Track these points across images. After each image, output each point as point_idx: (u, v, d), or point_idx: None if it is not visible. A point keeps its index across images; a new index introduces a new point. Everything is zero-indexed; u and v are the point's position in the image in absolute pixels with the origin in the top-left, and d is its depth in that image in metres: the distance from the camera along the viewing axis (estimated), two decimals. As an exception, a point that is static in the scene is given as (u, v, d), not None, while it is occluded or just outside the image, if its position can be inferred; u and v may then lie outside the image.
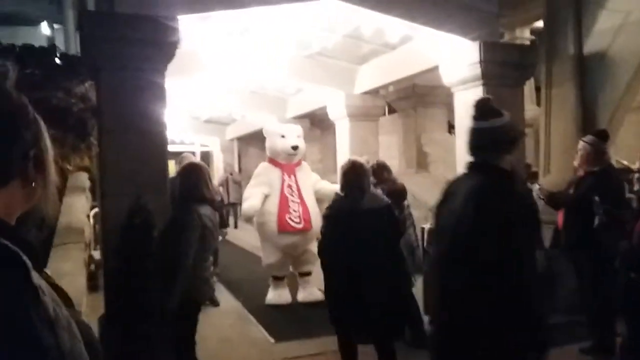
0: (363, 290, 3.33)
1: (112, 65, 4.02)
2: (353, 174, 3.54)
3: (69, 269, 5.15)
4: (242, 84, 9.35)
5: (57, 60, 8.45)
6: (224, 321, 5.63)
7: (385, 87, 8.18)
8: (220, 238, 6.38)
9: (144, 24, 3.99)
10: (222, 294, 6.55)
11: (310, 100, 9.45)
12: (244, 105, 10.57)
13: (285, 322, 5.57)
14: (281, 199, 6.27)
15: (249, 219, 6.26)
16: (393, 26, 5.55)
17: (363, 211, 3.41)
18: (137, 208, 3.83)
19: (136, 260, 3.71)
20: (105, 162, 4.12)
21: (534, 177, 6.68)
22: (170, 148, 16.73)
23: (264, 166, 6.75)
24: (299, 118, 10.13)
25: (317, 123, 11.83)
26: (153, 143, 4.14)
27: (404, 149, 8.95)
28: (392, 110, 9.86)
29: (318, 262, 3.77)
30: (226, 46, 7.31)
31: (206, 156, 16.13)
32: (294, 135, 6.60)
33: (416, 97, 8.66)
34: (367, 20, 5.58)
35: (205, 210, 3.48)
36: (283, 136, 6.55)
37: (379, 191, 3.90)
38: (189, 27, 5.83)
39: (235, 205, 12.32)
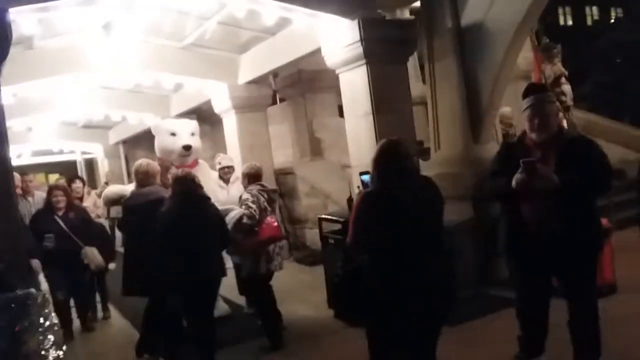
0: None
1: None
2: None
3: None
4: (115, 84, 8.58)
5: None
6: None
7: (268, 74, 7.82)
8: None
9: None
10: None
11: (193, 95, 8.88)
12: (123, 106, 9.76)
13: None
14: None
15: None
16: (268, 9, 5.18)
17: None
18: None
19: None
20: None
21: (425, 153, 6.66)
22: (50, 159, 15.22)
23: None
24: (184, 115, 9.51)
25: (205, 118, 11.21)
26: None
27: (296, 138, 8.68)
28: (282, 99, 9.54)
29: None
30: (88, 41, 6.60)
31: (90, 164, 14.94)
32: (187, 132, 5.88)
33: (303, 83, 8.40)
34: (238, 2, 5.17)
35: None
36: (174, 134, 5.83)
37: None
38: (56, 21, 5.13)
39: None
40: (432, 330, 2.82)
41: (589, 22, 33.11)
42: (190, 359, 4.06)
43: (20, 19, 4.17)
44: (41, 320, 2.15)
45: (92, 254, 5.38)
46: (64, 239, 5.16)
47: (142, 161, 4.60)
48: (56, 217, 5.26)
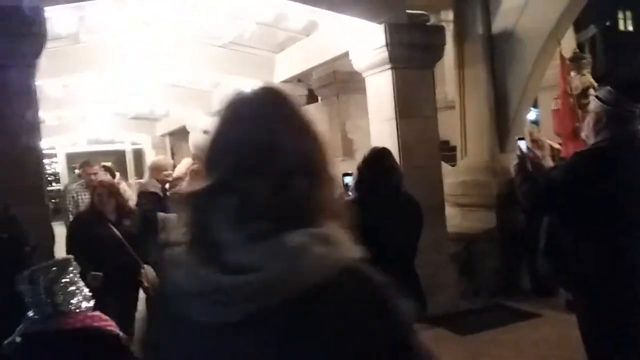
0: None
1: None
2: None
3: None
4: (160, 78, 8.93)
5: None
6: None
7: (303, 75, 7.96)
8: None
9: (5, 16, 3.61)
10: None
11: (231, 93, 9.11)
12: (166, 100, 10.14)
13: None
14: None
15: None
16: (295, 12, 5.31)
17: None
18: (5, 220, 3.48)
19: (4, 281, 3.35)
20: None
21: (451, 158, 6.64)
22: (101, 147, 15.96)
23: (186, 164, 6.34)
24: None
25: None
26: (25, 148, 3.78)
27: (329, 137, 8.78)
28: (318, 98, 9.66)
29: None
30: (136, 37, 6.92)
31: (138, 154, 15.54)
32: None
33: (338, 83, 8.47)
34: (267, 6, 5.33)
35: None
36: (206, 132, 6.16)
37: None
38: (96, 18, 5.45)
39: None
40: None
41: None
42: None
43: (59, 15, 4.43)
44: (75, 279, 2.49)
45: (152, 275, 4.20)
46: (120, 256, 4.09)
47: None
48: (109, 224, 4.14)
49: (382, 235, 2.69)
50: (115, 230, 4.12)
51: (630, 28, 30.86)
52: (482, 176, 5.84)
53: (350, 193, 3.06)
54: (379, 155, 3.01)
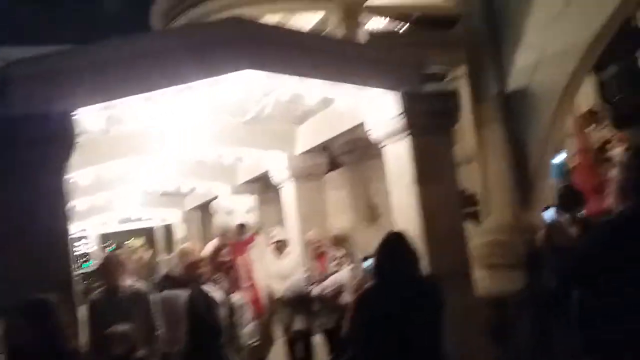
0: None
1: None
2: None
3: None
4: (182, 157, 9.20)
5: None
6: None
7: (324, 144, 8.12)
8: None
9: (33, 124, 3.80)
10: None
11: (256, 164, 9.32)
12: (190, 176, 10.38)
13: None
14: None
15: None
16: (312, 89, 5.48)
17: None
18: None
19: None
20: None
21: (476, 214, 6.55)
22: (132, 226, 16.17)
23: (213, 245, 6.38)
24: (251, 182, 9.97)
25: (271, 185, 11.65)
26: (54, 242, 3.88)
27: (353, 203, 8.82)
28: (341, 165, 9.77)
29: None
30: (158, 125, 7.18)
31: (167, 229, 15.75)
32: (243, 210, 6.44)
33: (359, 150, 8.61)
34: (284, 86, 5.52)
35: None
36: (229, 213, 6.37)
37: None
38: (132, 109, 5.68)
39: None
40: None
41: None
42: None
43: (89, 112, 4.63)
44: None
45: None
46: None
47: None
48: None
49: (399, 324, 2.68)
50: None
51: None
52: (507, 235, 5.76)
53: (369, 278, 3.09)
54: (392, 241, 3.05)
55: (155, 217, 15.69)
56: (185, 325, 4.43)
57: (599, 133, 6.64)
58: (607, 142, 6.38)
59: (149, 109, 5.71)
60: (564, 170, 6.88)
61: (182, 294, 4.58)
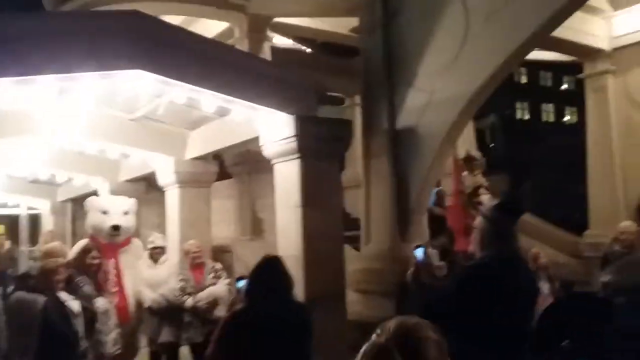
0: None
1: None
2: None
3: None
4: (61, 146, 8.57)
5: None
6: None
7: (213, 153, 7.98)
8: None
9: None
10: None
11: (142, 163, 8.91)
12: (69, 167, 9.69)
13: None
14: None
15: None
16: (207, 98, 5.38)
17: None
18: None
19: None
20: None
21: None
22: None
23: (80, 246, 6.00)
24: (134, 181, 9.51)
25: (156, 186, 11.21)
26: None
27: (239, 215, 8.74)
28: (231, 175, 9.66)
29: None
30: (39, 105, 6.64)
31: (34, 219, 14.56)
32: (119, 211, 6.03)
33: (250, 163, 8.58)
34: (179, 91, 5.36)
35: None
36: (105, 212, 5.97)
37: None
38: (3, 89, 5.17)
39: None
40: None
41: (544, 118, 35.03)
42: None
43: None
44: None
45: None
46: None
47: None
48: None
49: (264, 347, 2.70)
50: None
51: (527, 117, 34.03)
52: (382, 264, 6.01)
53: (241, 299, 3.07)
54: (266, 267, 3.08)
55: (22, 205, 14.46)
56: (37, 335, 4.08)
57: (473, 178, 7.19)
58: (479, 187, 6.94)
59: (23, 92, 5.28)
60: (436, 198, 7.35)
61: (39, 300, 4.22)
